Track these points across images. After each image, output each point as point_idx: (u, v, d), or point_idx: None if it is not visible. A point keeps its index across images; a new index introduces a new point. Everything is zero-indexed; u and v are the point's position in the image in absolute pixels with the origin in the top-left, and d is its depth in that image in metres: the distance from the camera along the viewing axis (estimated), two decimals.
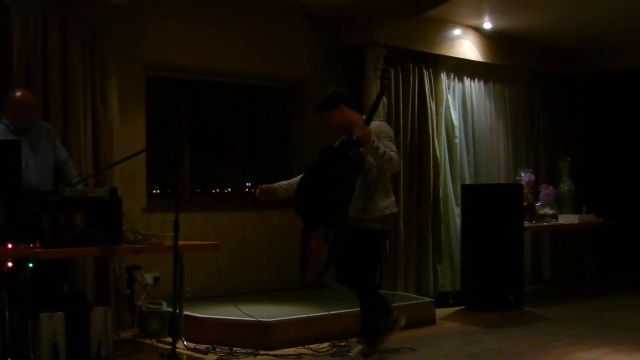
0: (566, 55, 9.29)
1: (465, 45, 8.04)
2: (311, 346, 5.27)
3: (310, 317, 5.57)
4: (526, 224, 7.52)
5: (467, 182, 8.02)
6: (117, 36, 5.95)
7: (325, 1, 7.05)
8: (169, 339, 5.02)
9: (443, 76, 7.86)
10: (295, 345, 5.26)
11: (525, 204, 7.59)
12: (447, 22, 7.79)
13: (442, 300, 7.19)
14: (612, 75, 9.31)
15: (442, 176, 7.71)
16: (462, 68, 8.14)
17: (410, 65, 7.50)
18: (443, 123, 7.82)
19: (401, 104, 7.39)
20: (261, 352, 5.12)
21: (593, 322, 6.45)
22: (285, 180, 5.01)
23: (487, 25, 8.01)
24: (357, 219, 4.77)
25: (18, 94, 5.10)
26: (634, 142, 9.28)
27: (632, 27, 8.23)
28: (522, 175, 8.07)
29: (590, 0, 7.25)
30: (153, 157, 6.45)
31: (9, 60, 5.42)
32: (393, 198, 4.93)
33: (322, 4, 7.13)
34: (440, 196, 7.68)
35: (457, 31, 7.90)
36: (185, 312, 5.38)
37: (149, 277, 5.75)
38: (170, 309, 5.05)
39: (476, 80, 8.38)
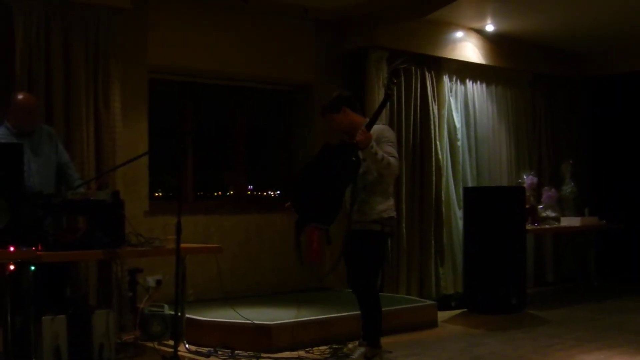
0: (569, 57, 9.27)
1: (468, 48, 8.04)
2: (313, 349, 5.26)
3: (312, 320, 5.56)
4: (528, 226, 7.52)
5: (470, 184, 8.02)
6: (120, 39, 5.95)
7: (329, 4, 7.06)
8: (171, 342, 5.04)
9: (445, 78, 7.85)
10: (297, 349, 5.25)
11: (527, 206, 7.59)
12: (449, 25, 7.80)
13: (445, 303, 7.19)
14: (615, 77, 9.28)
15: (444, 179, 7.70)
16: (465, 70, 8.14)
17: (413, 67, 7.50)
18: (445, 125, 7.81)
19: (403, 106, 7.39)
20: (263, 355, 5.11)
21: (596, 324, 6.43)
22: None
23: (490, 27, 8.02)
24: (355, 220, 4.82)
25: (20, 96, 5.09)
26: (637, 144, 9.26)
27: (634, 30, 8.22)
28: (525, 177, 8.07)
29: (592, 3, 7.25)
30: (156, 160, 6.45)
31: (12, 63, 5.40)
32: (392, 202, 4.95)
33: (326, 8, 7.14)
34: (443, 199, 7.68)
35: (459, 34, 7.90)
36: (187, 315, 5.38)
37: (151, 280, 5.77)
38: (172, 312, 5.05)
39: (478, 82, 8.38)
